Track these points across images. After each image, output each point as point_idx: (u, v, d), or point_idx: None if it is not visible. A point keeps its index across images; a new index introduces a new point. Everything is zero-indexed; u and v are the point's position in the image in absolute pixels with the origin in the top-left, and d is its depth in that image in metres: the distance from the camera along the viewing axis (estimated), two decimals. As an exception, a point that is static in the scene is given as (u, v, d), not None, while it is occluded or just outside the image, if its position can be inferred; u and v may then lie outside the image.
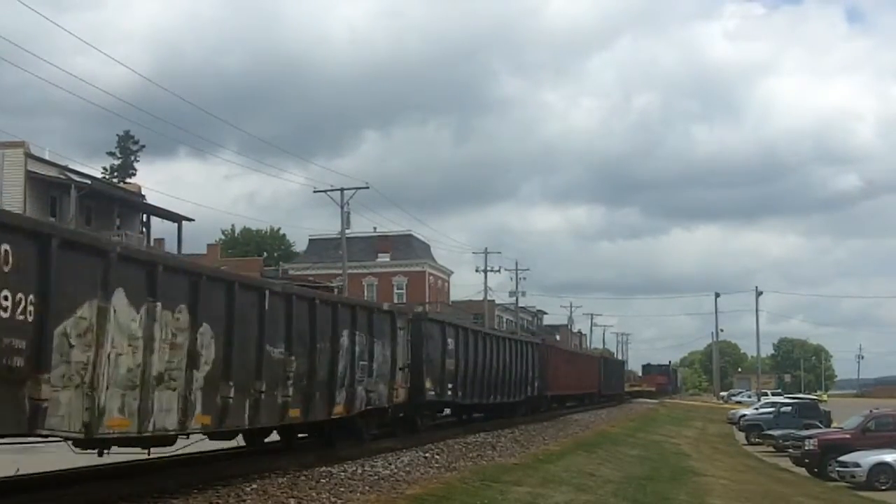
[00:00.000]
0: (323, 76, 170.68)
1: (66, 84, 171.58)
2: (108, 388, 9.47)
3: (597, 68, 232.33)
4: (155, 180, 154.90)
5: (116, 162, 71.89)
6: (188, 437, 12.89)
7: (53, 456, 14.91)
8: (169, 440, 11.63)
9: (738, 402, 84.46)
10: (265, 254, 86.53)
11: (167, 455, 14.88)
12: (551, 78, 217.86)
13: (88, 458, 14.73)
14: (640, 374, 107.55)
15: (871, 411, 32.07)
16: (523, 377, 32.18)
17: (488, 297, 75.84)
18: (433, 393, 21.85)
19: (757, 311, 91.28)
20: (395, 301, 71.62)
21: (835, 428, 33.87)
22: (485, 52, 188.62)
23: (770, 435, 37.49)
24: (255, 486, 12.47)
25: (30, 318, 8.39)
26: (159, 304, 10.37)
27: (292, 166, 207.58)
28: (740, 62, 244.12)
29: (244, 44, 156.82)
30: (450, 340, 23.19)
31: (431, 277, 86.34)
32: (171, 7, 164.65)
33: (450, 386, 23.14)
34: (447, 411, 27.16)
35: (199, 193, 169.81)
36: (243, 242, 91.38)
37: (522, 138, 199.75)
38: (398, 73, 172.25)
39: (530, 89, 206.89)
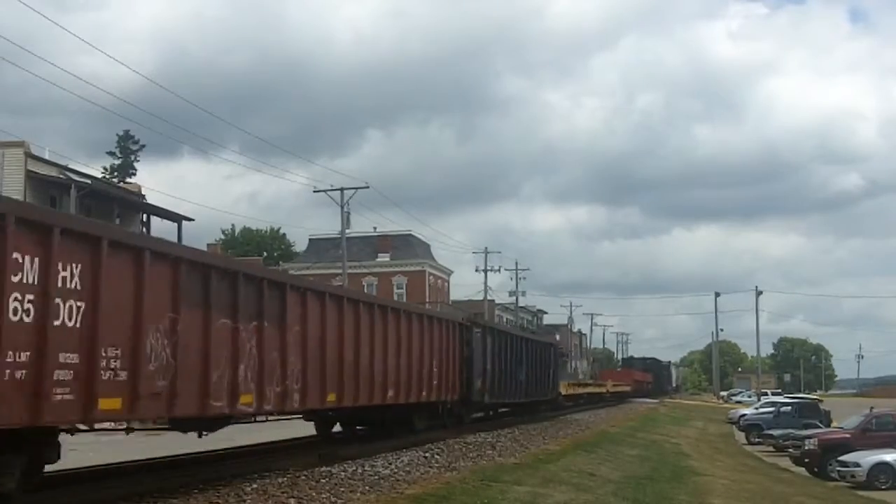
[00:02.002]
0: (326, 76, 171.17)
1: (70, 84, 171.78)
2: None
3: (600, 68, 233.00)
4: (158, 180, 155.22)
5: (117, 162, 71.88)
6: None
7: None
8: None
9: (738, 402, 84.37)
10: (265, 254, 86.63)
11: (167, 455, 14.90)
12: (554, 78, 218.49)
13: (88, 459, 14.75)
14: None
15: (870, 410, 32.12)
16: None
17: (488, 297, 75.88)
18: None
19: (757, 310, 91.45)
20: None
21: (835, 428, 33.87)
22: (488, 51, 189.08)
23: (770, 435, 37.47)
24: (255, 486, 12.45)
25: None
26: None
27: (295, 166, 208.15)
28: (743, 62, 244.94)
29: (248, 43, 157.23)
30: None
31: (431, 277, 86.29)
32: (175, 6, 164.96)
33: None
34: None
35: (201, 193, 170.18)
36: (243, 242, 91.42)
37: (524, 138, 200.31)
38: (401, 72, 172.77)
39: (533, 89, 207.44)
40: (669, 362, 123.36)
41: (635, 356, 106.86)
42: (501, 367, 28.17)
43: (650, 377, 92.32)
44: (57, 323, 8.71)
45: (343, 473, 14.33)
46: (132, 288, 9.91)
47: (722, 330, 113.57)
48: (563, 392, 42.81)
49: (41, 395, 8.51)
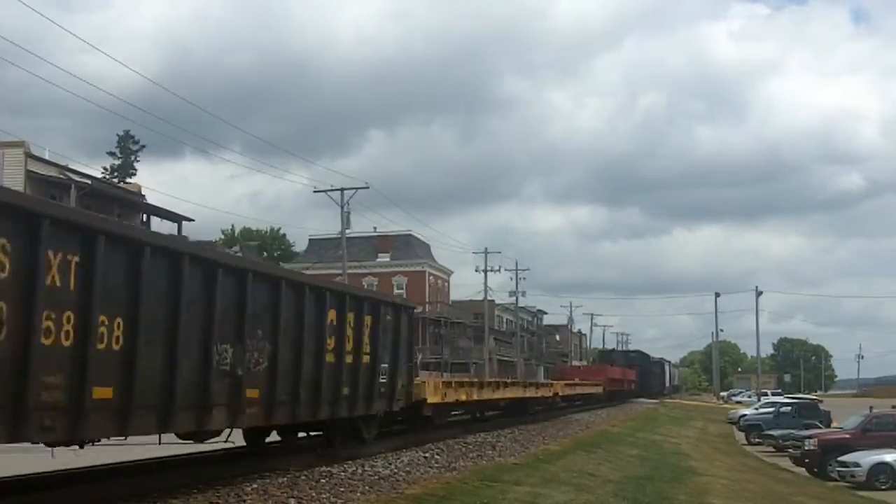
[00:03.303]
0: (329, 76, 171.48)
1: (71, 84, 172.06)
2: None
3: (602, 69, 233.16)
4: (160, 181, 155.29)
5: (117, 162, 71.88)
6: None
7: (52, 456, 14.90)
8: None
9: (738, 402, 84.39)
10: (265, 254, 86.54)
11: (168, 455, 14.89)
12: (557, 78, 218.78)
13: (88, 459, 14.73)
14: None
15: (870, 410, 32.14)
16: None
17: (488, 297, 75.92)
18: None
19: (757, 311, 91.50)
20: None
21: (835, 428, 33.87)
22: (490, 52, 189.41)
23: (770, 435, 37.48)
24: (255, 485, 12.45)
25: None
26: None
27: (296, 166, 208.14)
28: (745, 62, 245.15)
29: (251, 44, 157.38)
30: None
31: (431, 277, 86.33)
32: (177, 7, 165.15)
33: None
34: None
35: (203, 194, 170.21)
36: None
37: (526, 138, 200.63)
38: (404, 73, 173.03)
39: (535, 89, 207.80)
40: (662, 359, 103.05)
41: (618, 349, 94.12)
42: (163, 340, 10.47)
43: (633, 375, 71.02)
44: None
45: (343, 473, 14.33)
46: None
47: (722, 330, 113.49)
48: (433, 398, 21.74)
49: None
